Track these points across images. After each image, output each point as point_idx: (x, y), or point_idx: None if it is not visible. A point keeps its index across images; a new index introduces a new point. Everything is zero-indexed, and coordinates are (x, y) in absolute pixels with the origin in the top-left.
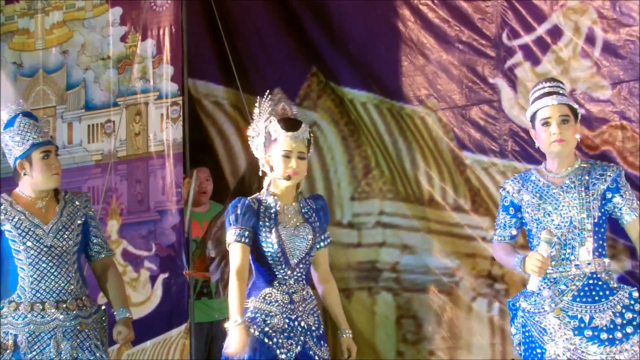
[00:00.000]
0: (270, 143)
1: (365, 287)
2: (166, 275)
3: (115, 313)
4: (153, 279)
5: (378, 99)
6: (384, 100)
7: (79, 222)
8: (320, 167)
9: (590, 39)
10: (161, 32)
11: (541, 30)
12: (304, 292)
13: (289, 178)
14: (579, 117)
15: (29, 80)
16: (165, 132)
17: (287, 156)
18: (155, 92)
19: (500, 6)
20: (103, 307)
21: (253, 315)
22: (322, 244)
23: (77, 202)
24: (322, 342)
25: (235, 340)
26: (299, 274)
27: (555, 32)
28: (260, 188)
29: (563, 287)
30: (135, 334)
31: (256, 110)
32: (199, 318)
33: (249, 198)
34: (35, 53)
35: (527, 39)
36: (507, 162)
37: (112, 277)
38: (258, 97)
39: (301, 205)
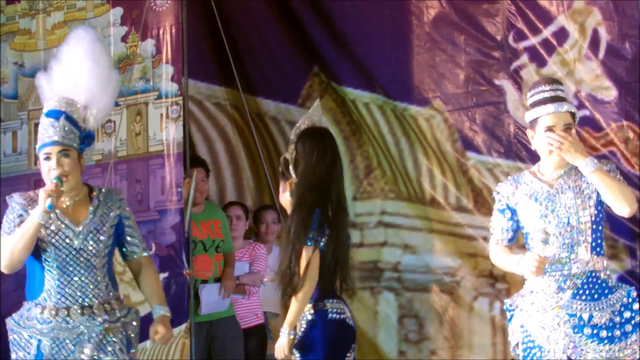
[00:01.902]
0: None
1: (367, 287)
2: (166, 274)
3: (152, 311)
4: None
5: (382, 100)
6: (388, 101)
7: (112, 223)
8: None
9: (595, 41)
10: (161, 32)
11: (547, 32)
12: None
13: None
14: (577, 120)
15: (30, 81)
16: (165, 132)
17: None
18: (155, 92)
19: (507, 8)
20: (134, 310)
21: None
22: None
23: (110, 202)
24: (295, 349)
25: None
26: None
27: (561, 34)
28: None
29: (563, 285)
30: None
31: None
32: (199, 318)
33: None
34: (37, 53)
35: (533, 41)
36: (512, 163)
37: (148, 276)
38: (260, 97)
39: None
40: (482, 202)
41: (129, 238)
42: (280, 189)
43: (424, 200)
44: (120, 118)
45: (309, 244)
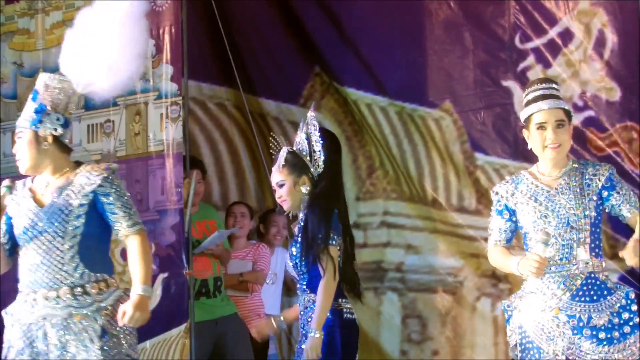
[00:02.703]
0: None
1: (371, 287)
2: (165, 275)
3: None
4: (152, 278)
5: (386, 101)
6: (394, 103)
7: (83, 202)
8: None
9: (600, 42)
10: (161, 32)
11: (553, 33)
12: (305, 300)
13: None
14: (572, 119)
15: (30, 80)
16: (164, 132)
17: (273, 188)
18: (155, 91)
19: (513, 10)
20: (117, 292)
21: None
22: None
23: (85, 180)
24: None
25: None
26: (301, 285)
27: (566, 35)
28: None
29: (562, 286)
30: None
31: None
32: (199, 317)
33: None
34: (36, 53)
35: (538, 42)
36: (519, 163)
37: (130, 254)
38: (261, 97)
39: (300, 222)
40: (487, 204)
41: (110, 215)
42: (289, 183)
43: (425, 201)
44: (119, 118)
45: (334, 243)
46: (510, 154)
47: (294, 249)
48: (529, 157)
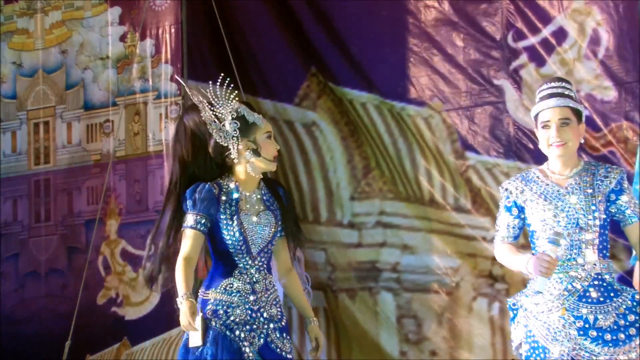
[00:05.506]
0: (248, 127)
1: (366, 287)
2: (165, 275)
3: None
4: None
5: (379, 100)
6: (385, 102)
7: None
8: (319, 167)
9: (595, 41)
10: (160, 31)
11: (546, 32)
12: (266, 282)
13: (275, 159)
14: (584, 118)
15: (29, 80)
16: (164, 131)
17: (270, 137)
18: (154, 91)
19: (506, 8)
20: None
21: (214, 307)
22: (282, 232)
23: None
24: (284, 334)
25: (183, 313)
26: (261, 263)
27: (560, 34)
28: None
29: (569, 287)
30: (134, 334)
31: (212, 100)
32: None
33: (209, 183)
34: (35, 53)
35: (532, 40)
36: (512, 162)
37: None
38: (259, 97)
39: (262, 192)
40: (481, 203)
41: None
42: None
43: (422, 201)
44: (118, 118)
45: None
46: (502, 153)
47: (268, 221)
48: (522, 156)
